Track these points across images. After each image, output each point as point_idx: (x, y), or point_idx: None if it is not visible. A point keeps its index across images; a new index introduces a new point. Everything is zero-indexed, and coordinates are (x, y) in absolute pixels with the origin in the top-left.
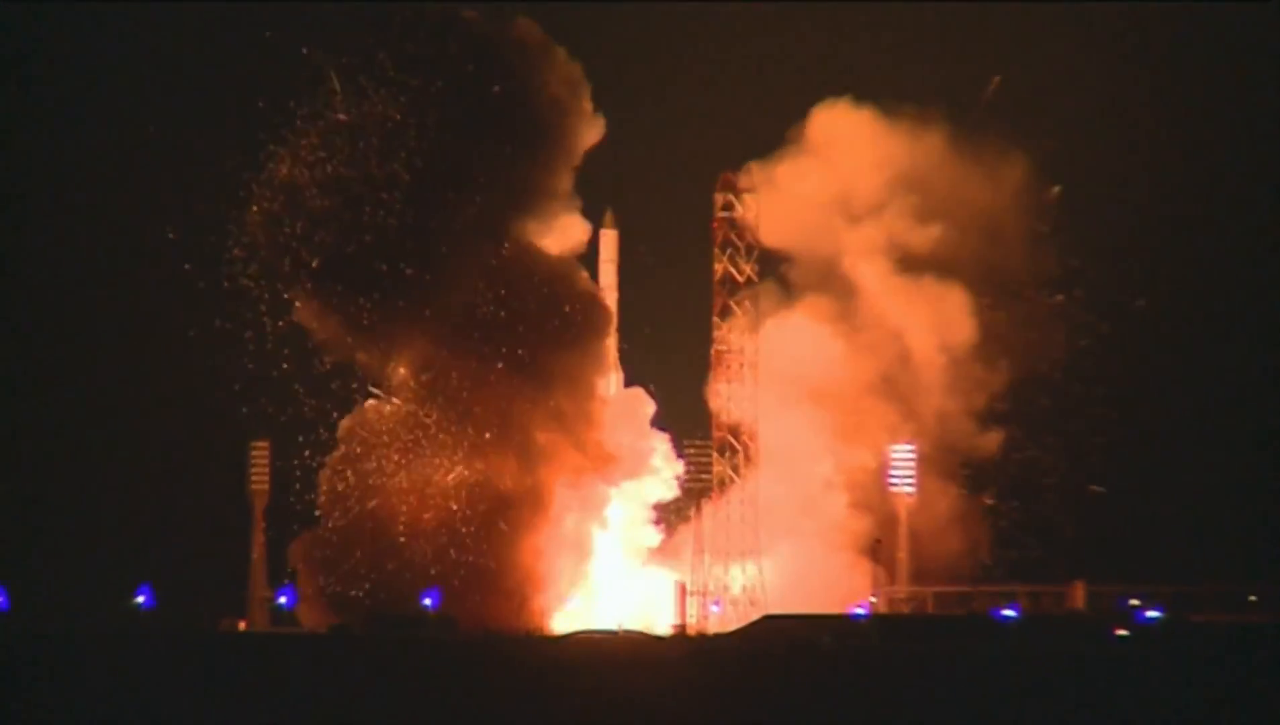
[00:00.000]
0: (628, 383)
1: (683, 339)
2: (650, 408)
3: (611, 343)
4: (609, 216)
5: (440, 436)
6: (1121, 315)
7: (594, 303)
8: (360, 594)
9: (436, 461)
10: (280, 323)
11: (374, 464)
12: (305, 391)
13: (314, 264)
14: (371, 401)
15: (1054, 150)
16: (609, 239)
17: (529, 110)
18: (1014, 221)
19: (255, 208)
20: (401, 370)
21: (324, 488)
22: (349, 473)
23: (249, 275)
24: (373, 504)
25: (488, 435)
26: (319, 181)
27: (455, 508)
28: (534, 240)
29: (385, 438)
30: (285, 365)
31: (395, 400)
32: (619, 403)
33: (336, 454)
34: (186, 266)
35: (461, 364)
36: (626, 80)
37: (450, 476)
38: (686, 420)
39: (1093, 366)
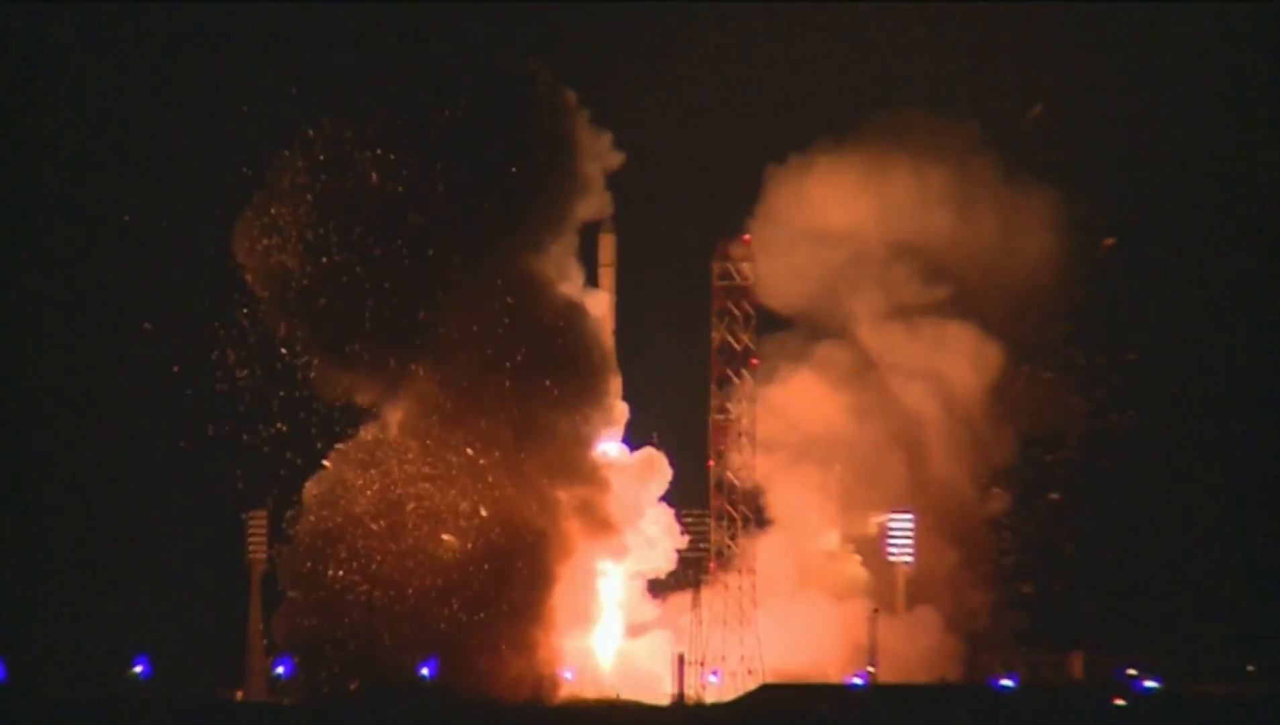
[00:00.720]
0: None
1: (680, 408)
2: (666, 475)
3: (614, 392)
4: (606, 222)
5: (436, 485)
6: (1143, 404)
7: (597, 350)
8: (341, 671)
9: (429, 512)
10: (281, 427)
11: (354, 524)
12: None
13: (312, 374)
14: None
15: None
16: (606, 243)
17: (555, 187)
18: (1042, 291)
19: (245, 309)
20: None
21: (297, 556)
22: (338, 550)
23: (242, 378)
24: (353, 569)
25: (487, 482)
26: (311, 276)
27: (451, 569)
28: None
29: (368, 493)
30: (286, 465)
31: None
32: (634, 468)
33: (304, 523)
34: (175, 369)
35: (458, 412)
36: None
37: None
38: (686, 489)
39: (1105, 459)
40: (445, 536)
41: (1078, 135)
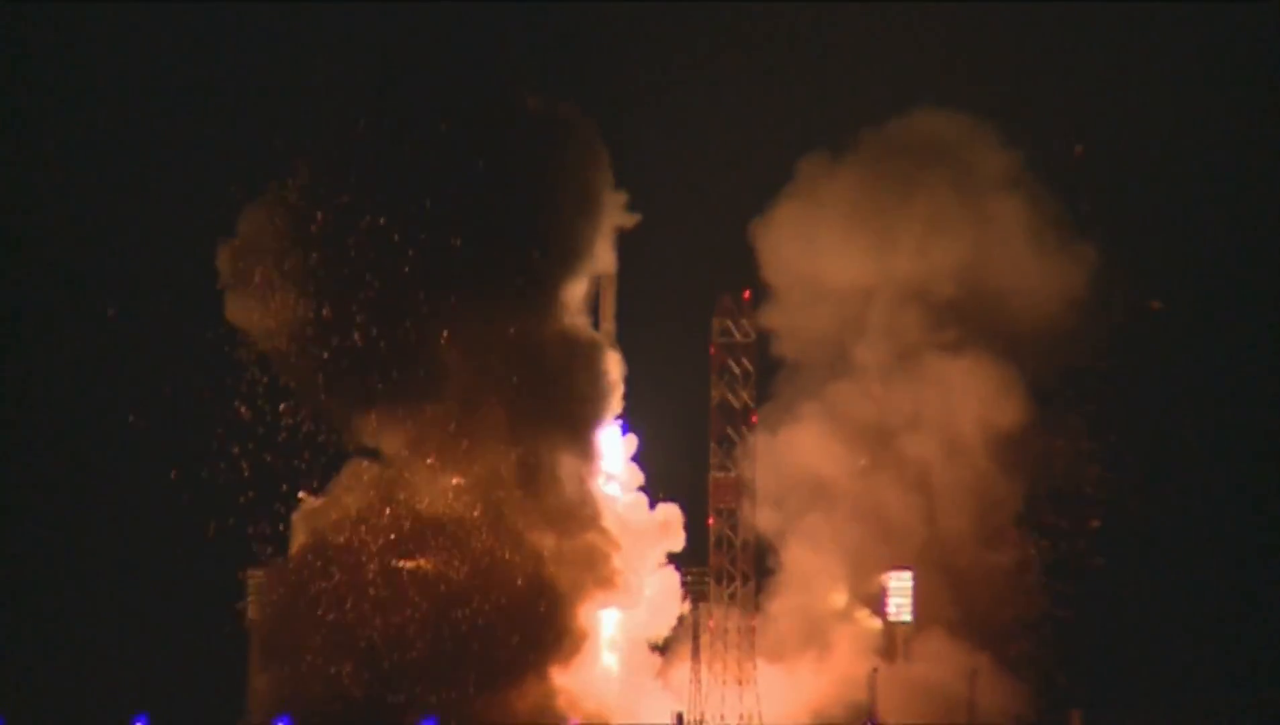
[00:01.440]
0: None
1: (681, 466)
2: (680, 535)
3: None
4: (606, 279)
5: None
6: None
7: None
8: None
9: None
10: (283, 528)
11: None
12: None
13: (314, 482)
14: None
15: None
16: (607, 301)
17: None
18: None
19: (244, 408)
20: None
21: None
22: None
23: (244, 464)
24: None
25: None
26: (309, 357)
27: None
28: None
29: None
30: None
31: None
32: (651, 525)
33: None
34: (173, 474)
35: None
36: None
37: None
38: (686, 549)
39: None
40: (401, 562)
41: (1120, 186)
